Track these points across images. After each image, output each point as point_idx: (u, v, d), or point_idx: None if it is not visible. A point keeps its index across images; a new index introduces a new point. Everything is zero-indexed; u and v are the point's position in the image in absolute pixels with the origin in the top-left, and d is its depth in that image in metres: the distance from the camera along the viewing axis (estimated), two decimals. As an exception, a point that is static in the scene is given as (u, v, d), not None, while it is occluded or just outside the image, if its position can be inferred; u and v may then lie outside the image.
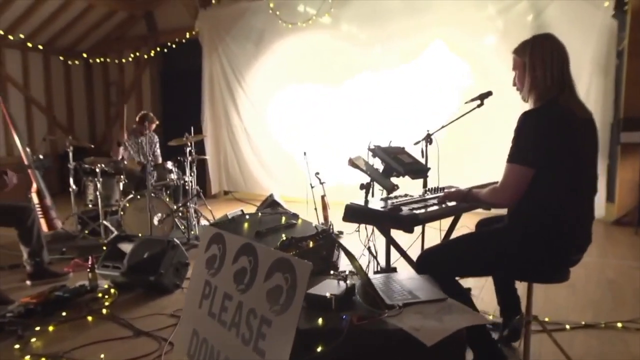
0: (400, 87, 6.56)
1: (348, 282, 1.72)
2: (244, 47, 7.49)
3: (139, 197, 4.56)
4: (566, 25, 5.23)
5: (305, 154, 4.54)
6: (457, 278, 2.03)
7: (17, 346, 2.46)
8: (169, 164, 5.05)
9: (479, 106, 2.54)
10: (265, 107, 7.56)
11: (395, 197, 2.31)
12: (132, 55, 8.73)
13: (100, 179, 4.53)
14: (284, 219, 2.27)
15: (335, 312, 1.52)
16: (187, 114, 7.81)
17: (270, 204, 5.28)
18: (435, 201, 2.23)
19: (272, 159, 7.60)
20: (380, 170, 2.43)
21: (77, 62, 9.06)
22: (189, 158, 5.06)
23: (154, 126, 5.45)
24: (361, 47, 6.74)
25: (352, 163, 2.26)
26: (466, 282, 3.24)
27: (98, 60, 9.08)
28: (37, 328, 2.66)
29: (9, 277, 3.68)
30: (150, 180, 4.46)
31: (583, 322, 2.69)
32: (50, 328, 2.71)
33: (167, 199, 4.84)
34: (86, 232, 4.58)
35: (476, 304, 2.96)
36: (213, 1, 7.59)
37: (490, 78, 5.63)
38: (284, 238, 1.94)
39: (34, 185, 3.75)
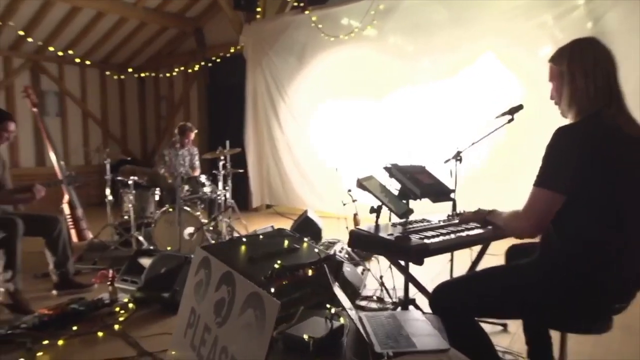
0: (446, 101, 6.23)
1: (341, 320, 1.52)
2: (287, 61, 7.47)
3: (170, 210, 4.56)
4: (628, 33, 4.75)
5: (337, 169, 4.37)
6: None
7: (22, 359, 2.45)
8: (203, 177, 5.05)
9: (509, 121, 2.27)
10: (307, 120, 7.48)
11: (410, 223, 2.07)
12: (176, 70, 8.95)
13: (133, 191, 4.58)
14: (286, 242, 2.09)
15: (313, 357, 1.33)
16: (232, 127, 7.92)
17: (304, 220, 5.14)
18: (453, 228, 1.98)
19: (313, 173, 7.47)
20: (397, 192, 2.21)
21: (130, 77, 9.44)
22: (223, 171, 5.04)
23: (192, 135, 5.49)
24: (405, 59, 6.50)
25: (360, 184, 2.06)
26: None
27: (150, 75, 9.41)
28: (46, 342, 2.64)
29: (39, 285, 3.74)
30: (181, 193, 4.45)
31: (637, 374, 2.30)
32: (60, 342, 2.68)
33: (199, 213, 4.82)
34: (118, 243, 4.63)
35: (511, 344, 2.65)
36: (257, 16, 7.65)
37: (544, 91, 5.18)
38: (277, 265, 1.77)
39: (66, 197, 3.83)
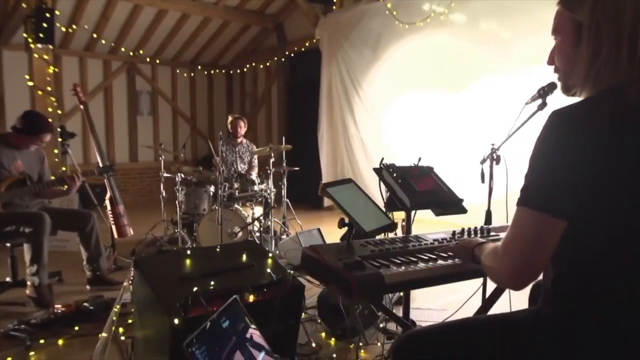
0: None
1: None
2: (361, 53, 7.05)
3: (215, 208, 4.46)
4: None
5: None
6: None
7: (9, 359, 2.43)
8: (254, 175, 4.89)
9: (540, 108, 1.67)
10: (381, 116, 7.00)
11: (395, 242, 1.60)
12: (259, 66, 9.01)
13: (180, 188, 4.56)
14: (244, 257, 1.75)
15: None
16: (310, 123, 7.73)
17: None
18: (440, 253, 1.47)
19: (386, 172, 6.96)
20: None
21: (218, 75, 9.73)
22: (273, 169, 4.83)
23: (243, 125, 5.40)
24: (489, 45, 5.70)
25: (324, 191, 1.64)
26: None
27: (236, 72, 9.62)
28: (42, 341, 2.61)
29: (80, 279, 3.82)
30: (226, 191, 4.33)
31: None
32: (60, 341, 2.65)
33: (253, 211, 4.67)
34: (165, 240, 4.66)
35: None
36: (334, 7, 7.34)
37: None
38: (196, 289, 1.43)
39: (108, 194, 3.89)
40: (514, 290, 1.12)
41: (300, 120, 8.47)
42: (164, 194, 4.86)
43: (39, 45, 4.74)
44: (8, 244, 3.32)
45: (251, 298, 1.53)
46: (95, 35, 7.20)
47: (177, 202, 4.57)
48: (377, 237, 1.78)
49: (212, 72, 9.56)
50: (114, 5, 7.06)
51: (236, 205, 4.65)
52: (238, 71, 9.54)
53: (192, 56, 9.27)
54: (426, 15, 6.10)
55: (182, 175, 4.61)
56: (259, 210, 4.80)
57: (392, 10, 6.38)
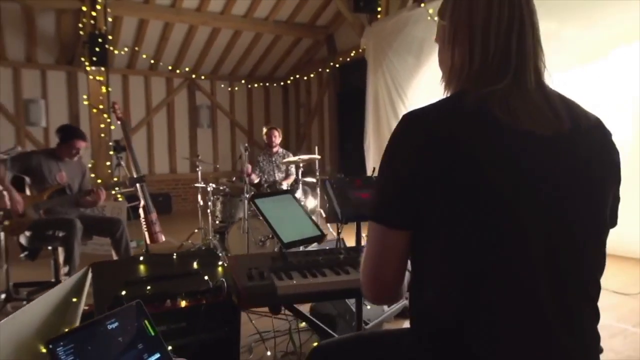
0: (591, 90, 4.88)
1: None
2: (405, 60, 6.96)
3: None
4: None
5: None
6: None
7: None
8: (285, 185, 5.01)
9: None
10: (426, 124, 6.84)
11: (319, 254, 1.60)
12: (307, 77, 9.18)
13: (212, 197, 4.79)
14: (195, 264, 1.82)
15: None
16: (359, 133, 7.76)
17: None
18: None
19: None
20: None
21: (275, 87, 10.05)
22: (302, 178, 4.92)
23: (277, 135, 5.53)
24: (550, 38, 5.33)
25: (251, 201, 1.67)
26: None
27: (292, 83, 9.89)
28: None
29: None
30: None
31: None
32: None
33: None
34: (199, 247, 4.91)
35: None
36: (379, 16, 7.33)
37: None
38: (124, 292, 1.53)
39: (141, 202, 4.20)
40: (375, 304, 1.10)
41: (351, 128, 8.52)
42: (201, 203, 5.14)
43: (93, 68, 5.27)
44: (49, 247, 3.72)
45: (183, 303, 1.61)
46: (145, 56, 7.80)
47: (208, 211, 4.81)
48: (327, 248, 1.79)
49: (268, 84, 9.90)
50: (171, 27, 7.60)
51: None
52: (290, 82, 9.79)
53: (249, 70, 9.67)
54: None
55: (214, 186, 4.85)
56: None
57: (433, 16, 6.25)
